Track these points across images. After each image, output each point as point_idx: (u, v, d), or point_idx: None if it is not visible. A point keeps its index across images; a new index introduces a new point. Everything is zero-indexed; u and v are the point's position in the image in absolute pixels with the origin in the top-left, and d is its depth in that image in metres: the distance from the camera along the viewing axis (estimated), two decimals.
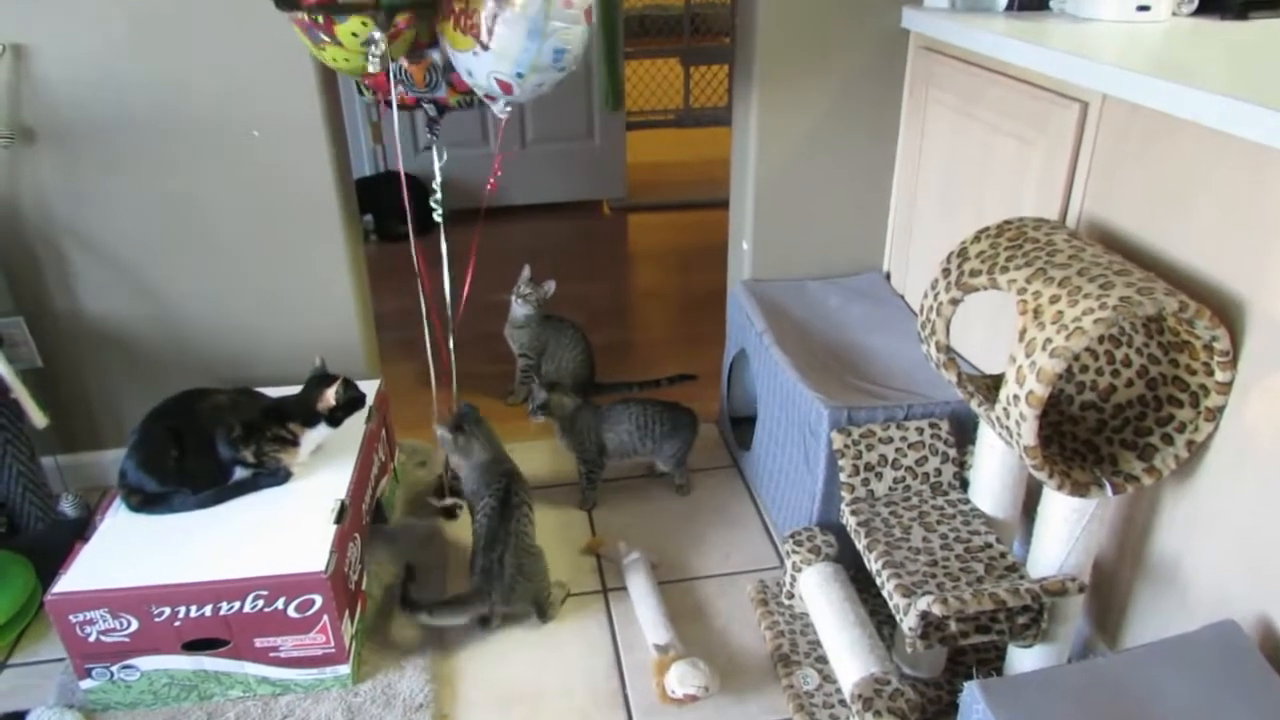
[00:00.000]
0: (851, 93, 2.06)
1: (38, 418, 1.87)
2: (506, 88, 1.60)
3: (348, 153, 2.21)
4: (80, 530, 1.86)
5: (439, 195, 1.81)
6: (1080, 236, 1.35)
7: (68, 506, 1.96)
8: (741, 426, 2.25)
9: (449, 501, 2.08)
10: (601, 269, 3.54)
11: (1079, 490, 1.28)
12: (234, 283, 2.05)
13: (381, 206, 3.62)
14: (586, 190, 4.02)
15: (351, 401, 1.78)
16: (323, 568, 1.52)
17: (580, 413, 2.09)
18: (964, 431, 1.67)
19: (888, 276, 2.23)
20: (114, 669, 1.58)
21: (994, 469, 1.53)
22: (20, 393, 1.84)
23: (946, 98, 1.88)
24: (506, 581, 1.71)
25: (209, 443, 1.71)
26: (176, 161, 1.93)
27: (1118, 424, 1.37)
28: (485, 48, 1.53)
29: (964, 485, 1.64)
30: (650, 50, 5.02)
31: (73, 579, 1.54)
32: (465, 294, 1.98)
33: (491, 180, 1.84)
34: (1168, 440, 1.31)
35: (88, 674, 1.58)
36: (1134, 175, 1.40)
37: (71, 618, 1.52)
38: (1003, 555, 1.47)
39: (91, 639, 1.54)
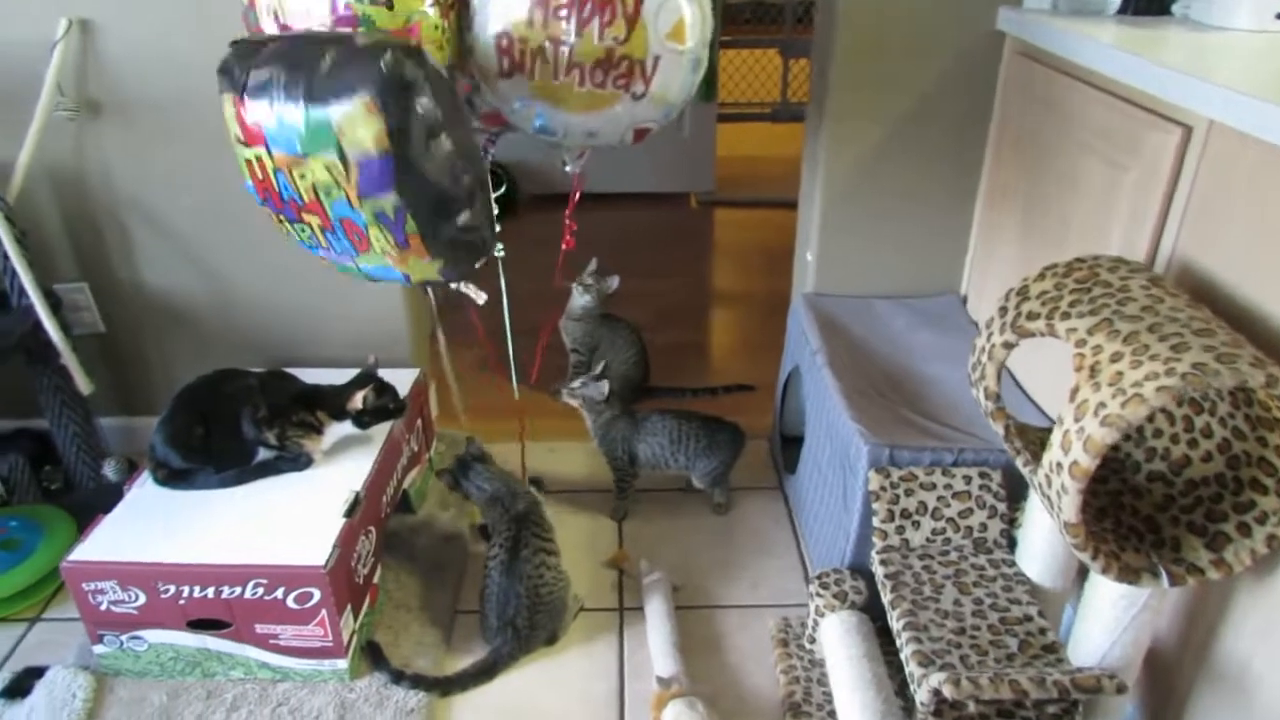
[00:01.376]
0: (936, 97, 1.89)
1: (83, 383, 1.91)
2: (642, 135, 1.50)
3: None
4: (120, 495, 1.90)
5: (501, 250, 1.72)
6: (1164, 284, 1.18)
7: (110, 471, 2.00)
8: (791, 447, 2.12)
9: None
10: (680, 264, 3.44)
11: (1128, 577, 1.12)
12: (286, 263, 2.04)
13: None
14: (673, 182, 3.91)
15: (381, 410, 1.75)
16: (322, 562, 1.49)
17: (616, 421, 2.00)
18: (1018, 485, 1.52)
19: (964, 301, 2.06)
20: (123, 638, 1.59)
21: (1045, 532, 1.38)
22: (69, 358, 1.87)
23: (1040, 110, 1.70)
24: (524, 640, 1.66)
25: (235, 423, 1.70)
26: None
27: (1188, 503, 1.20)
28: (638, 96, 1.42)
29: (1011, 545, 1.49)
30: (748, 40, 4.83)
31: (88, 548, 1.55)
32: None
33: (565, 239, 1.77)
34: (1245, 531, 1.13)
35: (100, 640, 1.60)
36: (1239, 217, 1.21)
37: (85, 585, 1.53)
38: (1042, 632, 1.32)
39: (103, 608, 1.55)
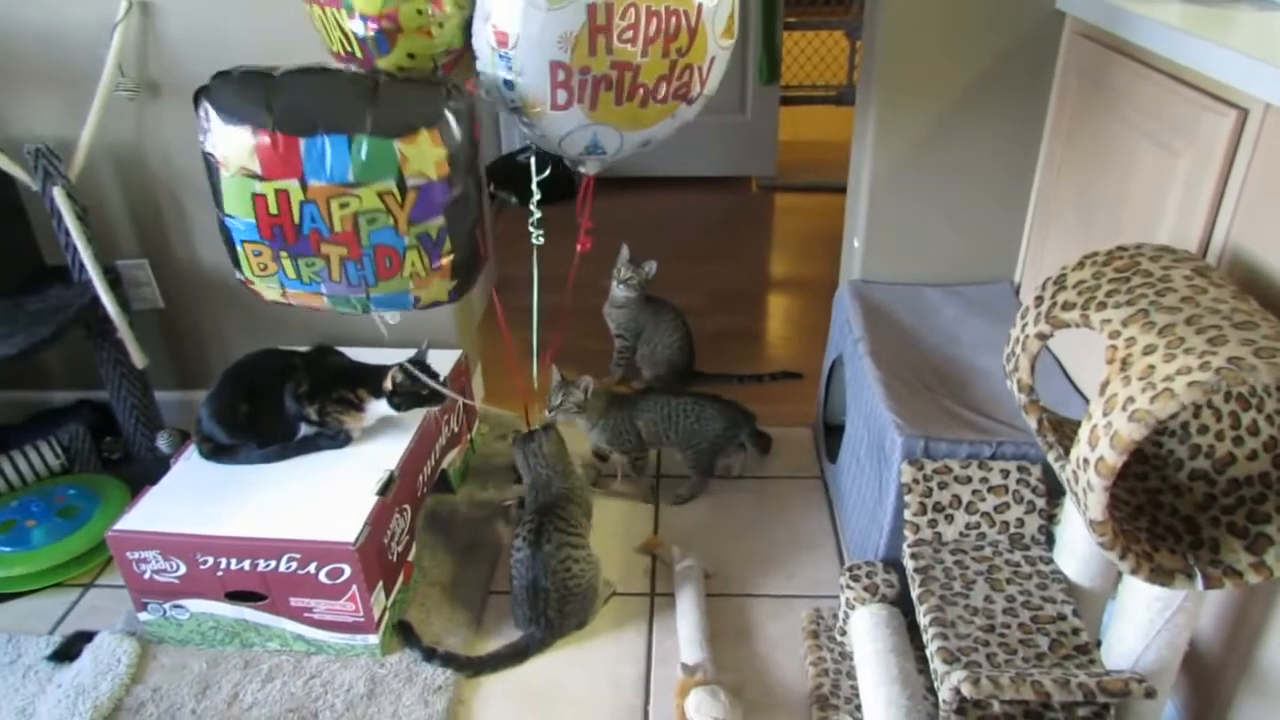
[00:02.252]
0: (992, 79, 1.82)
1: (138, 357, 1.98)
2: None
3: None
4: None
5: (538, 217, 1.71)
6: (1210, 274, 1.12)
7: (163, 442, 2.07)
8: (835, 436, 2.08)
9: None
10: (737, 249, 3.40)
11: (1160, 578, 1.07)
12: None
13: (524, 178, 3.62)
14: (733, 165, 3.85)
15: (413, 395, 1.74)
16: (352, 539, 1.52)
17: (611, 409, 1.99)
18: (1059, 480, 1.46)
19: (1018, 289, 1.99)
20: (166, 606, 1.64)
21: (1084, 528, 1.33)
22: (125, 333, 1.94)
23: (1095, 92, 1.63)
24: (556, 629, 1.67)
25: (279, 400, 1.74)
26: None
27: (1230, 502, 1.14)
28: (693, 101, 1.41)
29: (1050, 541, 1.44)
30: (814, 22, 4.72)
31: (133, 518, 1.60)
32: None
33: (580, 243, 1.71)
34: None
35: (144, 607, 1.65)
36: None
37: (129, 554, 1.59)
38: (1075, 632, 1.27)
39: (146, 576, 1.61)
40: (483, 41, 1.34)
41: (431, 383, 1.73)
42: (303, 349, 1.85)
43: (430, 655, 1.63)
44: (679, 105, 1.39)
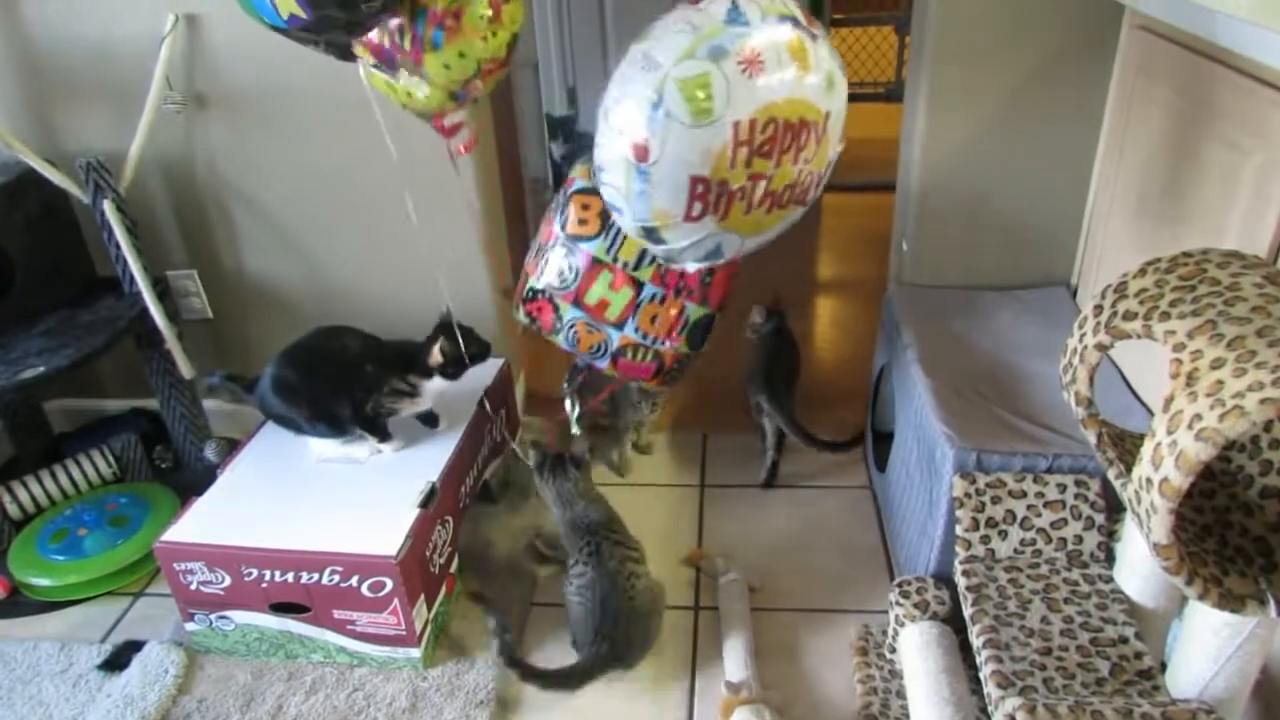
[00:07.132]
0: (1046, 75, 1.76)
1: (185, 368, 2.00)
2: None
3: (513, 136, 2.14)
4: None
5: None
6: None
7: (210, 452, 2.09)
8: (883, 444, 2.03)
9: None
10: (781, 250, 3.30)
11: (1230, 604, 1.01)
12: (375, 253, 2.09)
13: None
14: None
15: (461, 360, 1.73)
16: (394, 552, 1.51)
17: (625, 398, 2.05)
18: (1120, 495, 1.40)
19: (1074, 292, 1.92)
20: (212, 617, 1.65)
21: (1147, 548, 1.27)
22: (172, 344, 1.96)
23: (1157, 88, 1.56)
24: (619, 649, 1.56)
25: (335, 385, 1.73)
26: (330, 133, 1.96)
27: None
28: (807, 204, 1.45)
29: (1110, 559, 1.38)
30: (861, 17, 4.63)
31: (179, 530, 1.62)
32: None
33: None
34: None
35: (191, 618, 1.67)
36: None
37: (176, 565, 1.60)
38: (1138, 656, 1.21)
39: (193, 587, 1.62)
40: (613, 152, 1.30)
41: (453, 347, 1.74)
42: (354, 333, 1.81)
43: (515, 663, 1.54)
44: (795, 209, 1.40)
